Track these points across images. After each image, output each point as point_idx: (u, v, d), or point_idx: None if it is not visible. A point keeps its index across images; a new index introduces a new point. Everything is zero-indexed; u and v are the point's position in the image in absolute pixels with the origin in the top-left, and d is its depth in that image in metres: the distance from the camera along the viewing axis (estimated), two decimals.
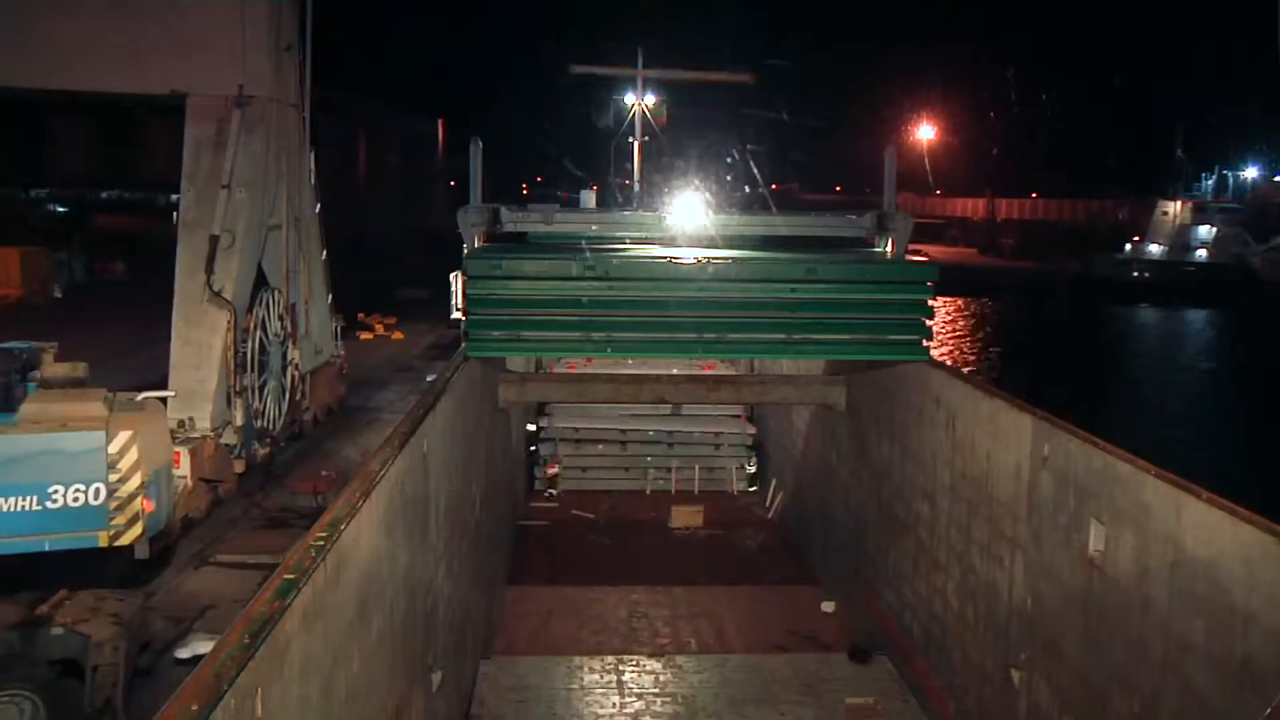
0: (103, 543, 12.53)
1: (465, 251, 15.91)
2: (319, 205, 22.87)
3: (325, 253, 23.38)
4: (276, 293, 19.43)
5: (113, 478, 12.52)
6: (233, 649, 5.53)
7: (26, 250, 40.32)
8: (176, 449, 15.10)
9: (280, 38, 20.26)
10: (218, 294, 17.06)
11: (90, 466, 12.27)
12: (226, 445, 17.13)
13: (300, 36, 21.23)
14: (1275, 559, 7.38)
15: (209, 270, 17.05)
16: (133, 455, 12.63)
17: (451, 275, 15.40)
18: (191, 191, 18.03)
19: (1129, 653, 9.10)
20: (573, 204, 21.14)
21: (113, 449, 12.52)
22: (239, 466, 17.66)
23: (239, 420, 17.41)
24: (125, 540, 12.65)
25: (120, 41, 18.61)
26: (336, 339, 24.27)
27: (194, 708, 4.93)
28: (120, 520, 12.59)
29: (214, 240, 17.22)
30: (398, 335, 35.14)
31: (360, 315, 35.64)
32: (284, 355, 19.60)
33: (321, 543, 7.04)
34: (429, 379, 25.51)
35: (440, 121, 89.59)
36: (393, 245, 55.44)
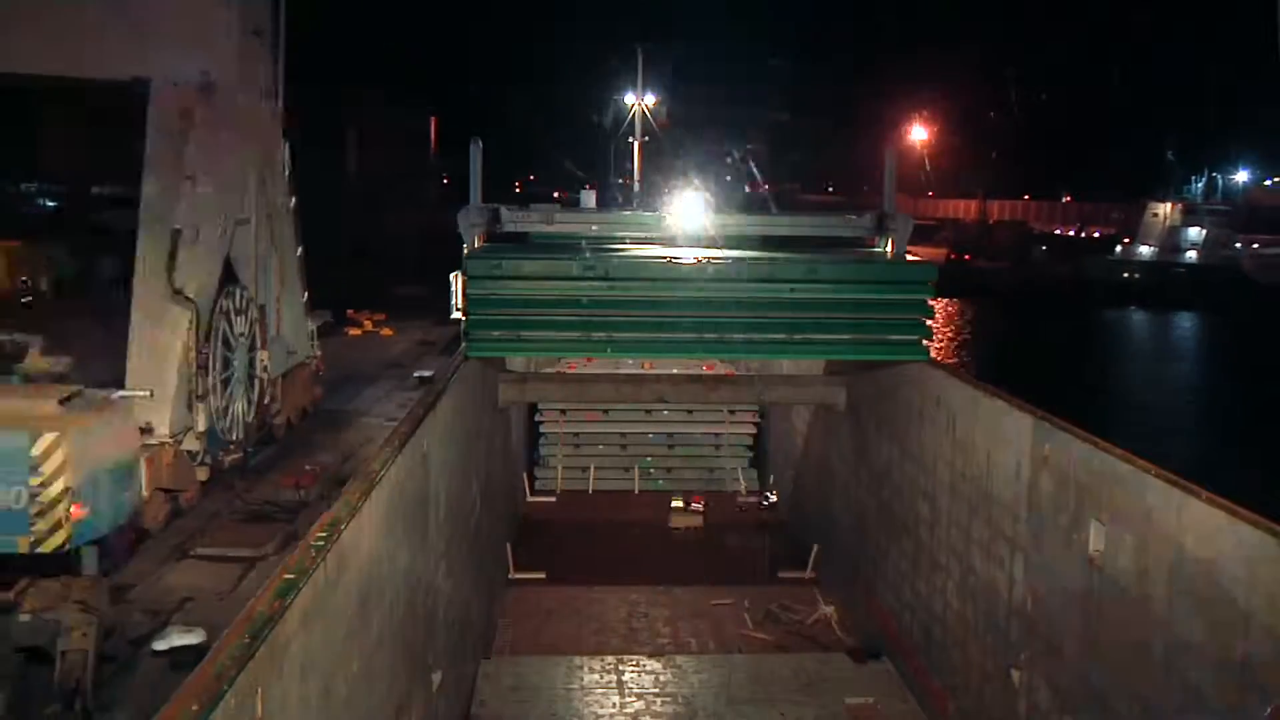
0: (22, 549, 11.95)
1: (465, 251, 15.88)
2: (294, 199, 21.91)
3: (301, 249, 22.40)
4: (244, 291, 18.70)
5: (34, 481, 11.86)
6: (233, 649, 5.52)
7: (14, 245, 40.10)
8: None
9: (249, 21, 19.41)
10: (179, 291, 16.23)
11: (12, 469, 11.72)
12: (188, 452, 16.45)
13: (274, 20, 20.38)
14: (1275, 559, 7.38)
15: (171, 267, 16.24)
16: (58, 458, 11.96)
17: (451, 275, 15.36)
18: (153, 183, 16.87)
19: (1129, 653, 9.09)
20: (570, 203, 21.08)
21: (35, 451, 11.85)
22: (202, 474, 16.93)
23: (201, 426, 16.68)
24: (47, 548, 12.00)
25: (77, 25, 17.71)
26: (313, 339, 23.17)
27: (194, 708, 4.93)
28: (42, 526, 11.95)
29: (176, 235, 16.34)
30: (386, 332, 35.07)
31: (349, 312, 35.53)
32: (252, 356, 18.85)
33: (321, 543, 7.04)
34: (415, 375, 25.41)
35: (433, 120, 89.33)
36: (385, 242, 55.43)
